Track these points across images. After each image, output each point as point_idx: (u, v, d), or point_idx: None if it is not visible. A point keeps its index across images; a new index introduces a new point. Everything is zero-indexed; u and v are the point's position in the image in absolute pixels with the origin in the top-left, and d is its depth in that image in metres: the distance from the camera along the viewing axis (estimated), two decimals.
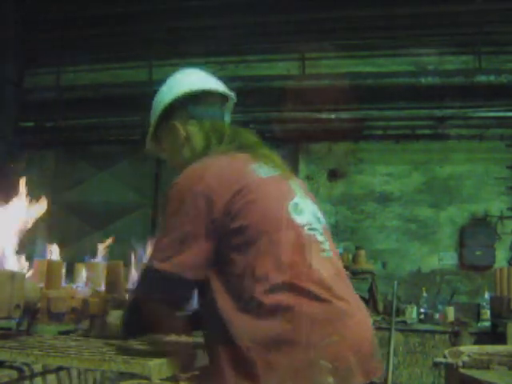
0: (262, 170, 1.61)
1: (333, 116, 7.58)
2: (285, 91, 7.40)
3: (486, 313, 5.79)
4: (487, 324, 5.68)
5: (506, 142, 7.53)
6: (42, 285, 1.93)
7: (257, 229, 1.48)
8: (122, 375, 1.57)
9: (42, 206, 2.07)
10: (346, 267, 5.80)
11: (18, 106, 8.15)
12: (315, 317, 1.42)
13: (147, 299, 1.52)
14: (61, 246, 2.61)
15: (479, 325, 5.81)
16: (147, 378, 1.39)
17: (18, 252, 1.96)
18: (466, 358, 2.40)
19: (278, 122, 7.74)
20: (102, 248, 2.60)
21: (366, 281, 6.17)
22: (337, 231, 7.84)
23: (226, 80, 1.91)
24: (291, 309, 1.41)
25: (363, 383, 1.44)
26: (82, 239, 7.82)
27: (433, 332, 5.73)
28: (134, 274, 2.51)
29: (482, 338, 5.35)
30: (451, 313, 5.96)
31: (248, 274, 1.44)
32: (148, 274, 1.54)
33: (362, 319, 1.54)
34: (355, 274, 5.83)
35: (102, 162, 8.92)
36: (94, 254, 2.67)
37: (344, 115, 7.59)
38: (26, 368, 1.58)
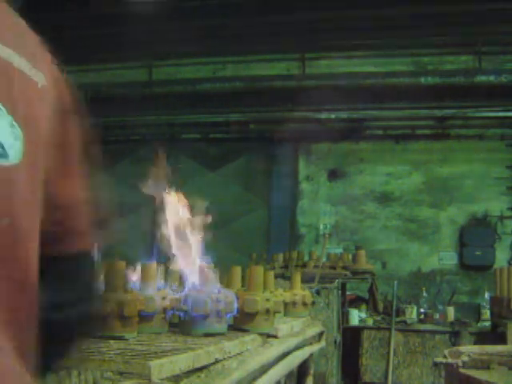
0: None
1: (333, 116, 7.58)
2: (285, 91, 7.40)
3: (486, 313, 5.79)
4: (487, 324, 5.67)
5: (506, 141, 7.54)
6: None
7: None
8: (122, 375, 1.57)
9: None
10: (346, 267, 5.79)
11: None
12: None
13: None
14: None
15: (479, 325, 5.80)
16: (147, 378, 1.39)
17: None
18: (465, 358, 2.40)
19: (278, 122, 7.75)
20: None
21: (366, 281, 6.16)
22: (337, 231, 7.85)
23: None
24: None
25: None
26: None
27: (433, 332, 5.72)
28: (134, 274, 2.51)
29: (482, 337, 5.35)
30: (451, 313, 5.95)
31: None
32: None
33: None
34: (355, 273, 5.81)
35: (101, 162, 8.91)
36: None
37: (344, 115, 7.60)
38: None
